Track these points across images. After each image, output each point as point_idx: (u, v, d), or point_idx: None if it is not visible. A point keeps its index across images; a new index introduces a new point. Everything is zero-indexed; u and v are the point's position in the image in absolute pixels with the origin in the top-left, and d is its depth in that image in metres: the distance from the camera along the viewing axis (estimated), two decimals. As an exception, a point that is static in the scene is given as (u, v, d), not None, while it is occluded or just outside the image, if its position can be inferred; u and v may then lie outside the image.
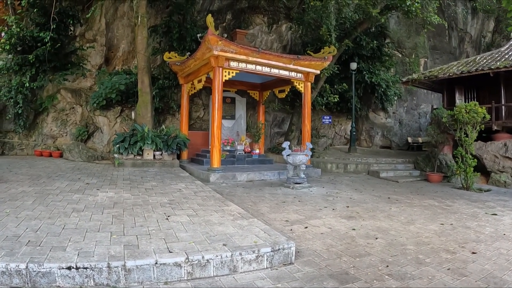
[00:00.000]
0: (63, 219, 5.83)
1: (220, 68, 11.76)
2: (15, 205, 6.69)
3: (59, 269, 3.90)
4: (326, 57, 13.64)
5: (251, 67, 12.41)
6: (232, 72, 12.11)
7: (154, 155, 13.02)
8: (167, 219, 6.13)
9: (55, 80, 15.15)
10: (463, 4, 24.95)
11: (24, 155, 15.03)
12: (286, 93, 15.40)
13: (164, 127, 13.94)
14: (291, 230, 6.34)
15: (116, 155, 13.01)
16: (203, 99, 15.88)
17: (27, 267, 3.89)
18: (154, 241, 4.84)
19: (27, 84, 14.34)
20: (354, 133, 18.41)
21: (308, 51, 14.75)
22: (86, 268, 3.96)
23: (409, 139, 21.27)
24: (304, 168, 11.31)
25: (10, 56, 14.99)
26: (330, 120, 18.02)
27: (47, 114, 15.36)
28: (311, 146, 11.68)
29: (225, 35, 13.48)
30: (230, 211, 6.96)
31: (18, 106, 14.30)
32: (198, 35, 13.45)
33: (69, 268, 3.94)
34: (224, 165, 12.40)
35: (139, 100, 13.78)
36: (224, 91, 13.50)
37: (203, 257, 4.35)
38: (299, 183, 10.85)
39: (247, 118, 16.47)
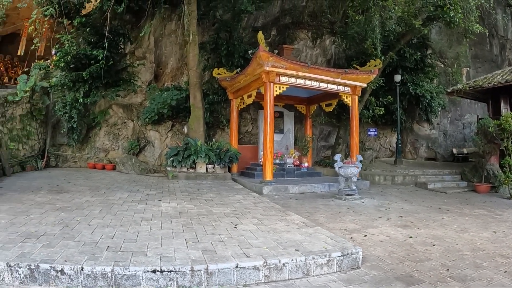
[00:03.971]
0: (134, 227, 6.43)
1: (271, 83, 12.45)
2: (84, 213, 7.35)
3: (144, 272, 4.31)
4: (372, 70, 14.20)
5: (300, 82, 13.07)
6: (283, 87, 12.79)
7: (206, 168, 13.72)
8: (235, 227, 6.66)
9: (107, 96, 16.16)
10: (503, 11, 25.20)
11: (77, 168, 15.97)
12: (334, 106, 15.96)
13: (214, 141, 14.78)
14: (352, 238, 6.81)
15: (169, 168, 13.82)
16: (251, 113, 16.60)
17: (112, 270, 4.31)
18: (229, 247, 5.27)
19: (81, 100, 15.34)
20: (400, 145, 18.83)
21: (354, 65, 15.35)
22: (170, 271, 4.36)
23: (454, 150, 21.51)
24: (355, 180, 11.80)
25: (63, 73, 16.07)
26: (375, 133, 18.52)
27: (99, 129, 16.40)
28: (361, 158, 12.14)
29: (276, 51, 14.17)
30: (293, 220, 7.49)
31: (72, 120, 15.33)
32: (250, 52, 14.21)
33: (154, 271, 4.37)
34: (274, 178, 12.86)
35: (191, 115, 14.60)
36: None
37: (279, 261, 4.75)
38: (351, 195, 11.32)
39: (295, 132, 17.04)
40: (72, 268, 4.34)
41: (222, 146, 14.14)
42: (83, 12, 16.54)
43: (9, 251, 4.81)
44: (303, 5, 18.65)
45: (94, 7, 16.00)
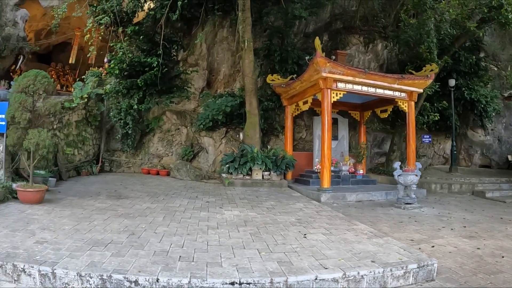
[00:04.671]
0: (202, 236, 6.40)
1: (329, 90, 12.32)
2: (147, 220, 7.41)
3: (222, 284, 4.25)
4: (428, 75, 13.83)
5: (357, 88, 12.89)
6: (340, 93, 12.64)
7: (262, 175, 13.70)
8: (304, 237, 6.57)
9: (162, 102, 16.39)
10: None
11: (131, 173, 16.26)
12: (389, 112, 15.75)
13: (269, 147, 14.77)
14: (420, 249, 6.56)
15: (224, 175, 13.87)
16: (305, 120, 16.47)
17: (189, 282, 4.30)
18: (304, 258, 5.20)
19: (135, 106, 15.65)
20: (455, 152, 18.44)
21: (410, 70, 15.15)
22: (249, 283, 4.29)
23: (509, 157, 20.90)
24: (415, 188, 11.47)
25: (117, 80, 16.42)
26: (430, 139, 18.22)
27: (153, 135, 16.66)
28: (420, 166, 11.80)
29: (333, 57, 14.14)
30: (360, 230, 7.35)
31: (127, 126, 15.64)
32: (307, 58, 14.19)
33: (232, 283, 4.31)
34: (331, 186, 12.63)
35: (247, 121, 14.63)
36: None
37: (358, 273, 4.68)
38: (410, 204, 11.03)
39: (349, 139, 16.86)
40: (147, 279, 4.33)
41: (278, 153, 14.09)
42: (134, 20, 16.98)
43: (78, 260, 4.84)
44: (354, 9, 18.56)
45: (146, 16, 16.40)
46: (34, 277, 4.55)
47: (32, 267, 4.57)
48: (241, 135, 15.19)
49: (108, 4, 15.06)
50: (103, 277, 4.36)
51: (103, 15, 15.03)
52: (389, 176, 15.39)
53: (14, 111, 8.89)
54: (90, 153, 15.74)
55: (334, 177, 13.99)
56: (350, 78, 12.55)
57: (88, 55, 16.37)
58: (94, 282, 4.37)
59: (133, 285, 4.33)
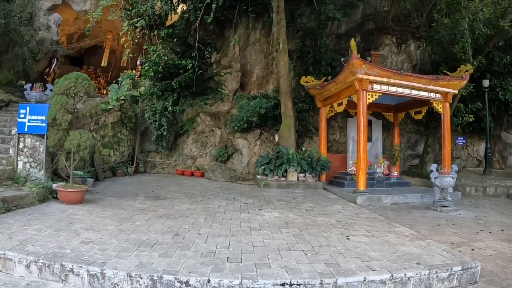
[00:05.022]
0: (246, 237, 6.48)
1: (364, 91, 12.26)
2: (189, 221, 7.52)
3: (273, 285, 4.31)
4: (463, 76, 13.63)
5: (392, 89, 12.81)
6: (375, 95, 12.54)
7: (298, 177, 13.70)
8: (347, 239, 6.59)
9: (196, 104, 16.57)
10: None
11: (166, 174, 16.49)
12: (423, 114, 15.60)
13: (304, 149, 14.76)
14: (460, 251, 6.49)
15: (259, 176, 13.95)
16: (339, 121, 16.44)
17: (240, 283, 4.35)
18: (350, 260, 5.26)
19: (170, 108, 15.83)
20: (489, 154, 18.19)
21: (444, 71, 15.07)
22: (299, 284, 4.35)
23: (544, 160, 20.64)
24: (451, 191, 11.33)
25: (151, 82, 16.67)
26: (464, 141, 18.06)
27: (187, 136, 16.86)
28: (456, 169, 11.67)
29: (369, 59, 14.14)
30: (401, 232, 7.34)
31: (162, 128, 15.84)
32: (342, 59, 14.23)
33: (283, 284, 4.37)
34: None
35: (282, 123, 14.66)
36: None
37: (405, 274, 4.73)
38: (446, 206, 10.92)
39: (382, 140, 16.82)
40: (198, 280, 4.38)
41: (313, 154, 14.09)
42: (166, 23, 17.23)
43: (126, 260, 4.92)
44: (386, 9, 18.51)
45: (179, 18, 16.62)
46: (82, 277, 4.65)
47: (81, 267, 4.67)
48: (276, 136, 15.23)
49: (144, 8, 15.30)
50: (154, 277, 4.44)
51: (138, 19, 15.26)
52: (423, 179, 15.32)
53: (55, 112, 9.05)
54: (125, 154, 16.03)
55: (368, 179, 13.83)
56: (385, 79, 12.50)
57: (123, 58, 16.70)
58: (144, 283, 4.45)
59: (183, 285, 4.39)
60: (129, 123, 15.91)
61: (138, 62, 20.18)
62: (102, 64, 25.08)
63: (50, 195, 9.42)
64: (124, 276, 4.50)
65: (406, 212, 10.68)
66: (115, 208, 8.64)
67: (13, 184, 9.61)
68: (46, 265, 4.78)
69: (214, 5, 14.24)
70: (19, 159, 10.11)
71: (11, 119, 14.46)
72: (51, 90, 16.03)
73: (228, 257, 5.27)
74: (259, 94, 16.55)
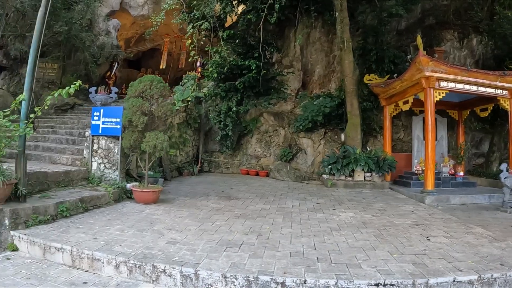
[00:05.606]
0: (329, 237, 6.52)
1: (431, 89, 12.05)
2: (268, 222, 7.64)
3: (367, 286, 4.39)
4: None
5: (459, 86, 12.50)
6: (442, 93, 12.26)
7: (364, 177, 13.71)
8: (428, 239, 6.55)
9: (260, 104, 16.77)
10: None
11: (230, 173, 16.78)
12: (489, 111, 15.23)
13: (369, 148, 14.72)
14: None
15: (325, 176, 13.98)
16: (402, 120, 16.26)
17: (336, 283, 4.41)
18: (436, 260, 5.27)
19: (234, 109, 16.10)
20: (556, 152, 17.79)
21: (510, 66, 14.87)
22: (392, 285, 4.42)
23: None
24: None
25: (214, 83, 17.03)
26: (531, 139, 17.78)
27: (251, 136, 17.10)
28: None
29: (436, 56, 14.06)
30: (479, 233, 7.23)
31: (227, 128, 16.13)
32: (408, 57, 14.24)
33: (377, 285, 4.41)
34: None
35: (348, 122, 14.66)
36: (422, 111, 14.04)
37: (492, 275, 4.74)
38: None
39: (447, 139, 16.56)
40: (294, 281, 4.43)
41: (379, 154, 14.04)
42: (225, 25, 17.58)
43: (218, 261, 5.02)
44: (446, 3, 18.30)
45: (241, 19, 16.91)
46: (175, 278, 4.77)
47: (174, 268, 4.79)
48: (342, 136, 15.19)
49: (207, 10, 15.66)
50: (249, 278, 4.51)
51: (202, 21, 15.63)
52: (489, 179, 14.98)
53: (131, 114, 9.34)
54: (190, 154, 16.43)
55: (434, 179, 13.76)
56: (452, 76, 12.25)
57: (189, 60, 17.10)
58: (239, 284, 4.52)
59: (279, 286, 4.46)
60: (194, 124, 16.26)
61: (198, 64, 20.64)
62: (161, 67, 25.78)
63: (124, 195, 9.78)
64: (219, 277, 4.60)
65: (476, 213, 10.39)
66: (191, 208, 8.86)
67: (88, 184, 9.97)
68: (137, 265, 4.97)
69: (277, 5, 14.38)
70: (93, 160, 10.48)
71: (78, 121, 15.17)
72: (115, 92, 16.77)
73: (317, 258, 5.35)
74: (322, 93, 16.56)
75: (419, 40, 12.07)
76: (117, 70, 23.75)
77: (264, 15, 15.00)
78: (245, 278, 4.50)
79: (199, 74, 19.52)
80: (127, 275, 5.00)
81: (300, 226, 7.41)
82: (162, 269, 4.80)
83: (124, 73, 27.11)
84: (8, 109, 7.01)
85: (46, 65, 20.07)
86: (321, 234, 6.79)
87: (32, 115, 7.15)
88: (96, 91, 17.65)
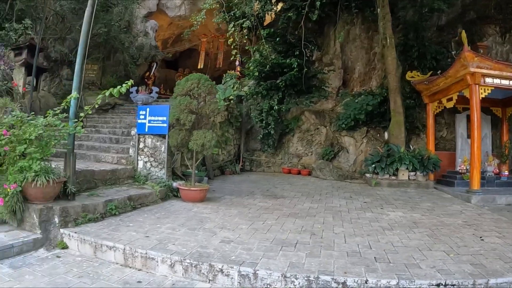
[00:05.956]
0: (383, 237, 6.49)
1: (477, 86, 11.85)
2: (318, 221, 7.64)
3: (428, 286, 4.34)
4: None
5: (505, 82, 12.22)
6: (488, 89, 12.02)
7: (408, 176, 13.58)
8: (482, 240, 6.45)
9: (301, 103, 16.81)
10: None
11: (272, 172, 16.90)
12: (535, 108, 15.02)
13: (412, 147, 14.57)
14: None
15: (368, 175, 13.93)
16: (445, 117, 16.02)
17: (398, 283, 4.37)
18: (493, 261, 5.20)
19: (276, 107, 16.20)
20: None
21: (554, 61, 14.58)
22: (453, 285, 4.36)
23: None
24: None
25: (255, 81, 17.16)
26: None
27: (292, 135, 17.16)
28: None
29: (481, 51, 13.90)
30: None
31: (269, 127, 16.23)
32: (453, 52, 14.11)
33: (438, 285, 4.37)
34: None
35: (392, 120, 14.54)
36: (466, 109, 13.91)
37: None
38: None
39: (491, 137, 16.21)
40: (356, 281, 4.41)
41: (423, 153, 13.88)
42: (264, 23, 17.68)
43: (276, 260, 5.01)
44: (486, -4, 18.03)
45: (281, 18, 16.99)
46: (232, 278, 4.74)
47: (232, 267, 4.75)
48: (385, 134, 15.08)
49: (248, 8, 15.80)
50: (310, 278, 4.49)
51: (244, 19, 15.77)
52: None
53: (179, 113, 9.43)
54: (231, 153, 16.65)
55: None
56: (497, 72, 12.01)
57: (231, 58, 17.29)
58: (299, 284, 4.50)
59: (340, 286, 4.44)
60: (236, 123, 16.43)
61: (237, 63, 20.85)
62: (199, 67, 26.15)
63: (171, 193, 9.91)
64: (279, 277, 4.58)
65: (525, 214, 10.30)
66: (238, 207, 8.93)
67: (134, 182, 10.16)
68: (193, 265, 4.93)
69: (318, 2, 14.38)
70: (139, 158, 10.67)
71: (120, 120, 15.50)
72: (156, 92, 17.08)
73: (375, 257, 5.34)
74: (363, 90, 16.47)
75: (463, 35, 11.89)
76: (156, 71, 24.22)
77: (305, 12, 14.99)
78: (305, 278, 4.49)
79: (238, 73, 19.70)
80: (182, 274, 5.00)
81: (352, 225, 7.44)
82: (219, 268, 4.80)
83: (162, 73, 27.62)
84: (58, 108, 7.15)
85: (86, 66, 20.38)
86: (374, 234, 6.81)
87: (82, 114, 7.30)
88: (137, 91, 17.99)
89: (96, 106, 7.53)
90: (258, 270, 4.66)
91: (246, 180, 14.22)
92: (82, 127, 7.40)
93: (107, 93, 7.24)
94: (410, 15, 16.45)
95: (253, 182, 13.73)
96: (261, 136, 16.84)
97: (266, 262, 4.92)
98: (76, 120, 7.36)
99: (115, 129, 14.46)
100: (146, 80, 22.96)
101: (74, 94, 7.35)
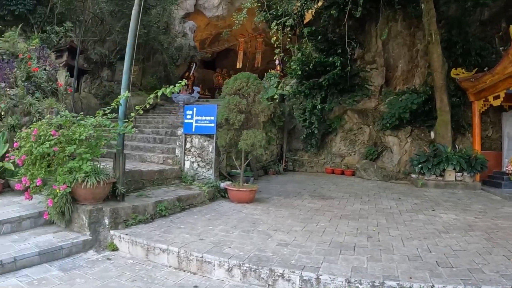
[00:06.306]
0: (441, 240, 6.37)
1: None
2: (372, 223, 7.55)
3: None
4: None
5: None
6: None
7: (455, 177, 13.34)
8: None
9: (344, 102, 16.75)
10: None
11: (314, 172, 16.88)
12: None
13: (458, 147, 14.26)
14: None
15: (413, 175, 13.73)
16: (491, 116, 15.65)
17: None
18: None
19: (319, 106, 16.17)
20: None
21: None
22: None
23: None
24: None
25: (297, 80, 17.22)
26: None
27: (335, 134, 17.11)
28: None
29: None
30: None
31: (313, 126, 16.24)
32: (500, 48, 13.86)
33: None
34: None
35: (438, 119, 14.30)
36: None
37: None
38: None
39: None
40: (422, 286, 4.31)
41: (469, 152, 13.62)
42: (304, 21, 17.62)
43: (337, 265, 4.91)
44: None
45: (323, 15, 16.92)
46: (293, 283, 4.63)
47: (293, 272, 4.64)
48: (431, 133, 14.88)
49: (290, 6, 15.71)
50: (375, 283, 4.39)
51: (286, 17, 15.68)
52: None
53: (228, 112, 9.40)
54: (274, 153, 16.69)
55: (521, 179, 13.08)
56: None
57: (274, 57, 17.17)
58: None
59: None
60: (279, 122, 16.39)
61: (277, 62, 20.87)
62: (238, 66, 26.33)
63: (218, 194, 9.94)
64: (342, 282, 4.46)
65: None
66: (288, 208, 8.89)
67: (181, 183, 10.22)
68: (252, 269, 4.84)
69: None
70: (186, 158, 10.70)
71: (162, 121, 15.73)
72: (198, 92, 17.27)
73: (436, 261, 5.24)
74: (407, 89, 16.21)
75: (511, 30, 11.68)
76: (195, 71, 24.45)
77: (348, 9, 14.82)
78: (370, 283, 4.39)
79: (279, 71, 19.75)
80: (240, 279, 4.90)
81: (406, 228, 7.36)
82: (280, 273, 4.69)
83: (201, 74, 27.94)
84: (108, 107, 7.22)
85: (126, 67, 20.84)
86: (431, 237, 6.70)
87: (132, 114, 7.36)
88: (179, 91, 18.20)
89: (148, 105, 7.59)
90: (321, 275, 4.56)
91: (290, 180, 14.22)
92: (132, 127, 7.46)
93: (159, 93, 7.34)
94: (452, 10, 16.13)
95: (298, 182, 13.72)
96: (304, 135, 16.78)
97: (328, 267, 4.84)
98: (126, 120, 7.43)
99: (158, 129, 14.67)
100: (186, 80, 23.27)
101: (126, 93, 7.40)
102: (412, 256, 5.52)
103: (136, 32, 8.02)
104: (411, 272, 4.82)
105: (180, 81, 7.38)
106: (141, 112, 7.37)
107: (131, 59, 7.83)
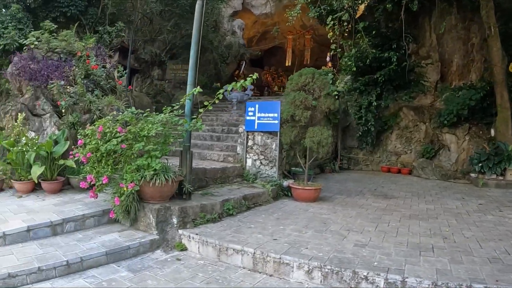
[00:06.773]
0: None
1: None
2: (442, 223, 7.51)
3: None
4: None
5: None
6: None
7: None
8: None
9: (400, 98, 16.57)
10: None
11: (370, 171, 16.82)
12: None
13: None
14: None
15: (473, 174, 13.48)
16: None
17: None
18: None
19: (375, 103, 16.09)
20: None
21: None
22: None
23: None
24: None
25: (352, 77, 17.17)
26: None
27: (391, 132, 16.94)
28: None
29: None
30: None
31: (369, 124, 16.16)
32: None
33: None
34: None
35: (498, 116, 13.95)
36: None
37: None
38: None
39: None
40: None
41: None
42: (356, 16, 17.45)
43: (420, 267, 4.91)
44: None
45: (377, 10, 16.72)
46: (377, 285, 4.62)
47: (378, 274, 4.63)
48: (492, 131, 14.54)
49: (346, 0, 15.36)
50: (462, 287, 4.37)
51: (343, 12, 15.40)
52: None
53: (294, 109, 9.38)
54: (329, 151, 16.86)
55: None
56: None
57: (330, 53, 17.19)
58: None
59: None
60: (334, 120, 16.34)
61: (328, 59, 20.87)
62: (287, 64, 26.56)
63: (281, 192, 9.99)
64: (429, 285, 4.46)
65: None
66: (354, 207, 8.92)
67: (243, 181, 10.32)
68: (334, 271, 4.81)
69: (417, -8, 13.66)
70: (247, 156, 10.76)
71: (216, 118, 15.93)
72: (251, 89, 17.46)
73: None
74: (463, 84, 15.84)
75: None
76: (244, 69, 24.71)
77: (405, 3, 14.61)
78: (458, 286, 4.33)
79: (332, 68, 19.71)
80: (321, 281, 4.86)
81: (478, 229, 7.27)
82: (364, 275, 4.65)
83: (249, 72, 28.09)
84: (177, 103, 7.33)
85: (177, 66, 21.35)
86: (505, 238, 6.62)
87: (200, 110, 7.42)
88: (232, 89, 18.43)
89: (217, 101, 7.53)
90: (407, 277, 4.53)
91: (348, 178, 14.29)
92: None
93: (229, 88, 7.53)
94: (508, 3, 15.71)
95: (356, 181, 13.80)
96: (359, 133, 16.72)
97: (411, 269, 4.80)
98: (194, 116, 7.50)
99: (213, 126, 14.84)
100: (236, 78, 23.48)
101: (197, 88, 7.47)
102: (492, 259, 5.47)
103: (200, 26, 8.05)
104: (496, 275, 4.79)
105: (251, 75, 7.36)
106: (210, 107, 7.39)
107: (197, 55, 7.90)
